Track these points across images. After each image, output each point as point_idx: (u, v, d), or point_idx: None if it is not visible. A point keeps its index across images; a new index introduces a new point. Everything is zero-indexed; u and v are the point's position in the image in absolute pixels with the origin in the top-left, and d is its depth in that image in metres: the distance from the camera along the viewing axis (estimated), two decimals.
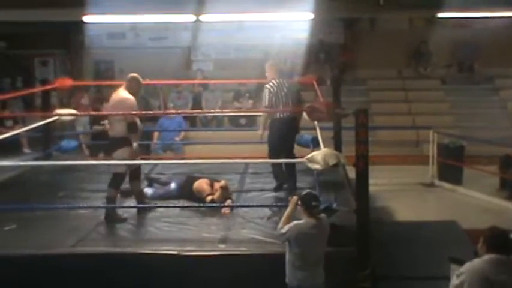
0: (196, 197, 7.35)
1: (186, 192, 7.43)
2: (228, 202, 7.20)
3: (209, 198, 7.22)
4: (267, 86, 7.78)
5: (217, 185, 7.35)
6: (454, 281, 4.26)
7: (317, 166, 5.91)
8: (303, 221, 5.34)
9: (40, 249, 5.82)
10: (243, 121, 13.33)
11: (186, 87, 14.07)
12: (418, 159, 12.02)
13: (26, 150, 12.88)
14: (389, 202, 9.49)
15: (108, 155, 7.09)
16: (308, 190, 5.69)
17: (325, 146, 6.80)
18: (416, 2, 13.44)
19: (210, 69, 15.57)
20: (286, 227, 5.30)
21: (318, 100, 8.07)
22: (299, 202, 5.40)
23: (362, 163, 5.80)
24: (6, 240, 6.10)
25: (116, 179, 6.84)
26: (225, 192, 7.31)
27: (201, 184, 7.43)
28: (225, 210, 7.05)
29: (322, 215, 5.48)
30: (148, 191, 7.65)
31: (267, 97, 7.68)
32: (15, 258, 5.71)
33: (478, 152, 11.65)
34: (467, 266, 4.24)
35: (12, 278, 5.59)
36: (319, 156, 5.89)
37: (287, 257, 5.29)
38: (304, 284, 5.22)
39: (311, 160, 5.94)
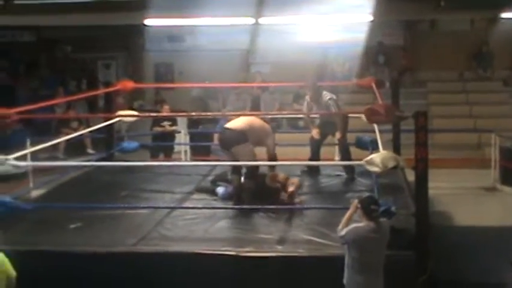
0: (267, 193, 7.37)
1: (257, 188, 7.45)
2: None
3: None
4: (332, 97, 8.56)
5: (290, 181, 7.44)
6: None
7: (376, 169, 5.87)
8: (362, 224, 5.33)
9: (103, 247, 5.99)
10: (301, 123, 13.33)
11: (245, 89, 14.16)
12: (479, 162, 11.76)
13: (90, 150, 13.26)
14: (449, 206, 9.32)
15: (227, 148, 7.39)
16: (368, 194, 5.69)
17: (383, 149, 6.77)
18: (477, 2, 13.20)
19: (268, 71, 15.62)
20: (345, 230, 5.31)
21: (378, 102, 8.04)
22: (359, 205, 5.39)
23: (422, 166, 5.75)
24: (71, 237, 6.29)
25: (251, 171, 7.25)
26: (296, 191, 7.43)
27: (278, 174, 7.54)
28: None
29: (383, 219, 5.47)
30: (219, 190, 7.77)
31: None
32: (80, 256, 5.89)
33: None
34: None
35: (76, 275, 5.77)
36: (378, 159, 5.86)
37: (346, 259, 5.30)
38: None
39: (370, 162, 5.91)
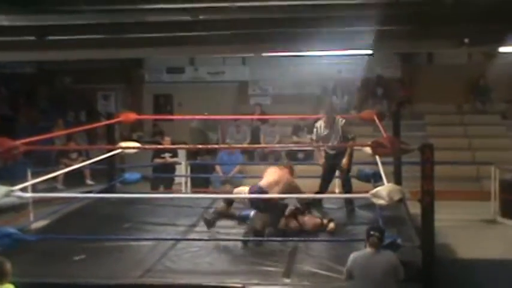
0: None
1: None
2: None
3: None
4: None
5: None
6: None
7: (382, 201, 5.91)
8: (362, 251, 5.47)
9: (109, 279, 5.96)
10: (300, 155, 13.41)
11: (244, 121, 14.23)
12: (478, 195, 11.79)
13: (89, 181, 13.23)
14: (449, 238, 9.30)
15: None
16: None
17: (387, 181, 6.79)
18: (475, 36, 13.31)
19: (268, 103, 15.73)
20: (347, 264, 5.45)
21: (379, 135, 8.09)
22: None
23: (428, 199, 5.78)
24: (76, 269, 6.26)
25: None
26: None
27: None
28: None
29: (388, 251, 5.52)
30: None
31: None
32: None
33: None
34: None
35: None
36: (384, 192, 5.90)
37: None
38: None
39: (376, 195, 5.94)
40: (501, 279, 7.19)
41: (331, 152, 8.64)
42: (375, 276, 5.31)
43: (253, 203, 7.54)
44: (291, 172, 7.88)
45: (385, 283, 5.36)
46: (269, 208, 7.45)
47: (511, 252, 8.62)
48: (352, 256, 5.46)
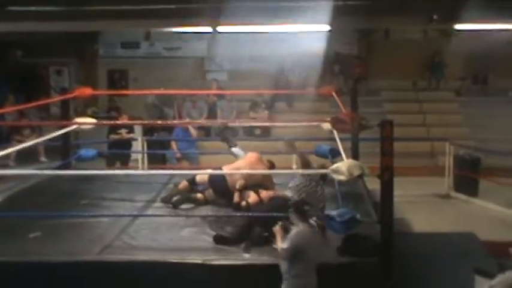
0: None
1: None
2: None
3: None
4: None
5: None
6: None
7: (342, 177, 5.93)
8: (302, 228, 5.31)
9: (67, 257, 5.86)
10: (257, 131, 13.40)
11: (201, 97, 14.12)
12: (432, 170, 12.01)
13: (43, 159, 12.96)
14: (405, 213, 9.45)
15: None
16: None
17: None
18: (430, 13, 13.43)
19: (225, 79, 15.64)
20: (286, 241, 5.21)
21: (338, 111, 8.11)
22: (292, 211, 5.44)
23: (387, 175, 5.81)
24: (32, 247, 6.14)
25: None
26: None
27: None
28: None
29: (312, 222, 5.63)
30: None
31: None
32: (43, 265, 5.74)
33: (494, 164, 11.60)
34: (501, 278, 4.25)
35: (39, 285, 5.62)
36: (343, 167, 5.91)
37: (287, 270, 5.22)
38: None
39: (335, 171, 5.96)
40: (454, 252, 7.32)
41: None
42: (319, 248, 5.42)
43: (212, 184, 7.50)
44: (270, 167, 7.77)
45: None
46: (224, 193, 7.42)
47: (464, 225, 8.81)
48: (296, 234, 5.24)
